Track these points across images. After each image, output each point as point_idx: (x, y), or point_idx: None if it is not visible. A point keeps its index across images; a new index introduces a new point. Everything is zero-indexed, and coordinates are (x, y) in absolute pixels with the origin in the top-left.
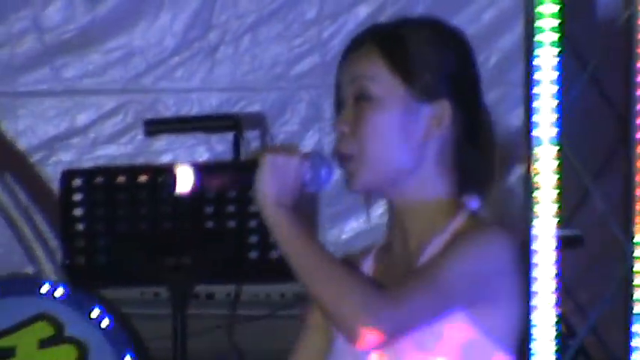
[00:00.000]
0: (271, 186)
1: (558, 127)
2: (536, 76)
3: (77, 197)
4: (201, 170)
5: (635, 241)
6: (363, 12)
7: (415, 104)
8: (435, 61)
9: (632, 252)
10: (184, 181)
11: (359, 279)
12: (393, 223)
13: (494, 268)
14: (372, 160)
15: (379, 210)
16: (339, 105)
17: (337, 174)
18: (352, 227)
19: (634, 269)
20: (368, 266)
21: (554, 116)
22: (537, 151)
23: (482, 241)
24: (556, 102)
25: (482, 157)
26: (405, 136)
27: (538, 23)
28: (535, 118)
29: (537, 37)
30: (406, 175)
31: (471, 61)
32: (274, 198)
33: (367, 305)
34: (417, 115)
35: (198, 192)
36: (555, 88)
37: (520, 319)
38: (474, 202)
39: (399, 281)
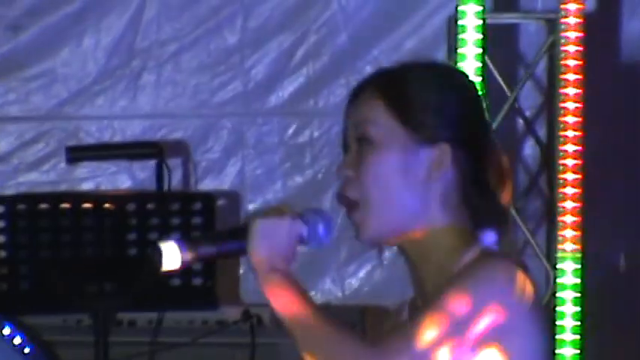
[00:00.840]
0: (263, 251)
1: None
2: None
3: None
4: (187, 244)
5: (557, 267)
6: (285, 40)
7: (414, 147)
8: (435, 104)
9: (555, 278)
10: (172, 257)
11: (351, 338)
12: (410, 271)
13: (499, 302)
14: (376, 205)
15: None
16: (345, 149)
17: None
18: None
19: (556, 294)
20: (404, 318)
21: None
22: None
23: (484, 274)
24: None
25: (491, 195)
26: (406, 178)
27: (460, 51)
28: None
29: (460, 65)
30: (413, 219)
31: (476, 103)
32: (267, 263)
33: None
34: (417, 158)
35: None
36: None
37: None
38: (487, 237)
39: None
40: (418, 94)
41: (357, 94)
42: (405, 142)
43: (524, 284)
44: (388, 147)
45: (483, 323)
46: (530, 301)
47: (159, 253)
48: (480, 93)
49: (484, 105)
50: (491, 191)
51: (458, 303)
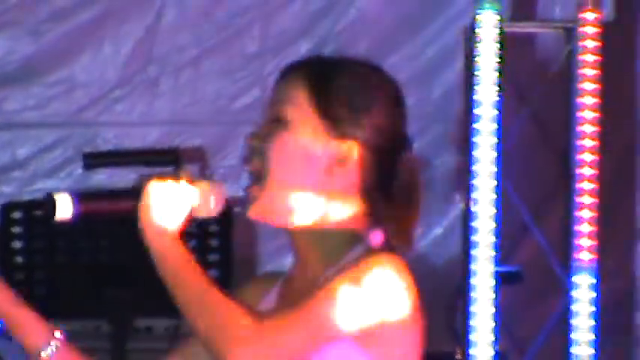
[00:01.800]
0: (153, 212)
1: (498, 162)
2: (476, 111)
3: (16, 230)
4: (80, 197)
5: (573, 277)
6: (304, 47)
7: (324, 137)
8: (355, 102)
9: (571, 288)
10: (64, 207)
11: (234, 309)
12: (293, 254)
13: (377, 300)
14: (273, 183)
15: None
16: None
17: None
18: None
19: (572, 306)
20: (272, 295)
21: (494, 152)
22: (477, 185)
23: (363, 272)
24: (495, 138)
25: (392, 204)
26: (308, 165)
27: (477, 60)
28: (475, 154)
29: (477, 74)
30: (305, 207)
31: (397, 115)
32: (156, 225)
33: (234, 336)
34: (324, 149)
35: (77, 218)
36: (495, 124)
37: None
38: (376, 237)
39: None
40: (343, 89)
41: (286, 73)
42: (316, 130)
43: (401, 286)
44: (299, 130)
45: (355, 322)
46: (406, 302)
47: (52, 203)
48: (404, 107)
49: (405, 120)
50: (393, 200)
51: (328, 303)
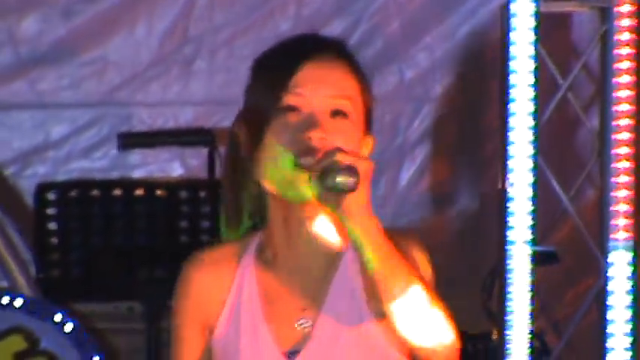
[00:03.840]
0: (367, 194)
1: (534, 143)
2: (512, 92)
3: (51, 211)
4: None
5: (608, 258)
6: (338, 26)
7: (364, 133)
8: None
9: (607, 268)
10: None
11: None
12: (291, 234)
13: None
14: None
15: None
16: (279, 92)
17: None
18: None
19: (608, 285)
20: (248, 273)
21: (530, 133)
22: (513, 167)
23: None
24: (532, 119)
25: None
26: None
27: (513, 39)
28: (511, 135)
29: (512, 53)
30: None
31: None
32: (368, 207)
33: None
34: (365, 143)
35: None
36: (531, 105)
37: None
38: None
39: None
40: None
41: (324, 59)
42: (363, 127)
43: None
44: (358, 128)
45: None
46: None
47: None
48: None
49: None
50: None
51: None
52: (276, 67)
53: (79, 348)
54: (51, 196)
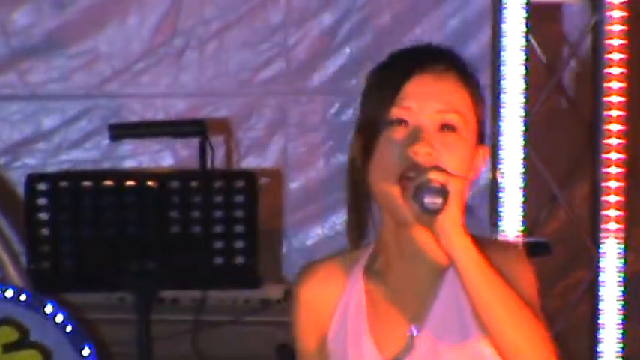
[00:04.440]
0: (460, 212)
1: (525, 134)
2: (503, 84)
3: (42, 202)
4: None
5: (601, 248)
6: (328, 19)
7: (475, 145)
8: (484, 109)
9: (599, 259)
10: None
11: (537, 320)
12: (401, 246)
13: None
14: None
15: (342, 217)
16: (384, 111)
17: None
18: (317, 233)
19: (600, 277)
20: (357, 284)
21: (521, 124)
22: (504, 158)
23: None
24: (522, 110)
25: None
26: (468, 173)
27: (504, 31)
28: (502, 126)
29: (503, 45)
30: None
31: None
32: (461, 226)
33: (548, 350)
34: (476, 156)
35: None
36: (521, 96)
37: None
38: None
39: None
40: (483, 99)
41: (435, 71)
42: (475, 140)
43: None
44: (468, 142)
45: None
46: None
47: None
48: None
49: None
50: None
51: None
52: (387, 79)
53: (70, 339)
54: (42, 187)
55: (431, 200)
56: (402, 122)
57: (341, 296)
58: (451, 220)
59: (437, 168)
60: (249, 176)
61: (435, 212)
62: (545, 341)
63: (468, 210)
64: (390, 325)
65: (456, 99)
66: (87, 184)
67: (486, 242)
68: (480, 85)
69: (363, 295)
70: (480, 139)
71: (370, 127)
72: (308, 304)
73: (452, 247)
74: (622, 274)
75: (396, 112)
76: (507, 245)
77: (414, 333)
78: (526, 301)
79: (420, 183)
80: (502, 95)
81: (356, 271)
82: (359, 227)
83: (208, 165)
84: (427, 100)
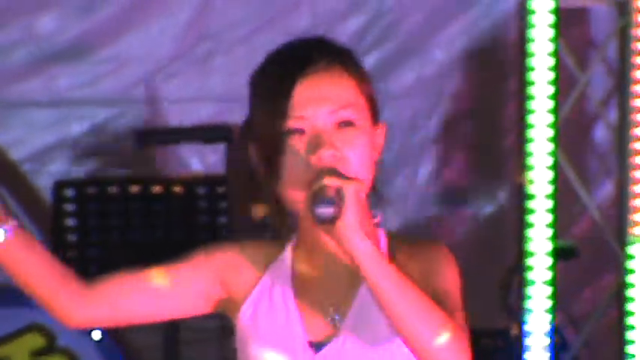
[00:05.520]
0: (357, 216)
1: (554, 140)
2: (531, 89)
3: (69, 208)
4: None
5: (628, 251)
6: (355, 22)
7: (375, 127)
8: (372, 85)
9: (625, 263)
10: None
11: (435, 305)
12: (319, 244)
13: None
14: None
15: None
16: (282, 114)
17: None
18: None
19: (626, 281)
20: (283, 266)
21: (550, 130)
22: (533, 165)
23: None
24: (551, 116)
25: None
26: (372, 159)
27: (532, 34)
28: (530, 133)
29: (532, 50)
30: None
31: None
32: (360, 230)
33: (453, 327)
34: (377, 138)
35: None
36: (550, 101)
37: None
38: (380, 218)
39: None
40: (368, 74)
41: (318, 69)
42: (371, 123)
43: None
44: (365, 129)
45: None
46: None
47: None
48: None
49: None
50: None
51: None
52: (272, 90)
53: (97, 344)
54: (69, 193)
55: (323, 210)
56: (298, 131)
57: (261, 275)
58: (349, 225)
59: (333, 171)
60: None
61: (331, 221)
62: (459, 341)
63: None
64: (316, 308)
65: (344, 92)
66: (114, 190)
67: (409, 240)
68: (357, 57)
69: (289, 279)
70: (375, 118)
71: (267, 140)
72: (234, 255)
73: (353, 251)
74: None
75: (291, 124)
76: (431, 243)
77: (335, 319)
78: (445, 298)
79: (313, 192)
80: (530, 101)
81: (283, 257)
82: (280, 220)
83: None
84: (319, 105)
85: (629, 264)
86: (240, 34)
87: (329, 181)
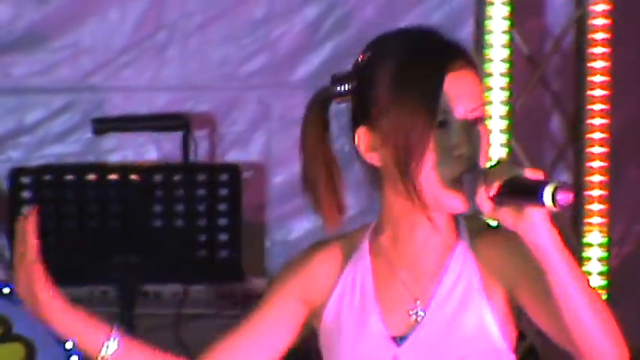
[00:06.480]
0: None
1: (509, 132)
2: (487, 81)
3: (26, 195)
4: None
5: (584, 241)
6: (311, 12)
7: None
8: None
9: (581, 252)
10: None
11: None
12: (414, 227)
13: None
14: None
15: None
16: (433, 111)
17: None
18: (300, 227)
19: (582, 269)
20: (362, 261)
21: (505, 121)
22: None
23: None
24: (507, 107)
25: None
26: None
27: (487, 24)
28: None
29: (487, 39)
30: None
31: None
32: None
33: (617, 334)
34: None
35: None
36: (506, 92)
37: None
38: None
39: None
40: None
41: (468, 67)
42: None
43: None
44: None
45: None
46: None
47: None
48: None
49: None
50: None
51: None
52: (421, 82)
53: (53, 332)
54: (25, 180)
55: (565, 195)
56: (446, 124)
57: (340, 274)
58: (541, 214)
59: (515, 164)
60: (233, 169)
61: (560, 207)
62: (617, 328)
63: None
64: (397, 302)
65: (480, 89)
66: (70, 177)
67: (484, 225)
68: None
69: (369, 271)
70: None
71: (410, 133)
72: (303, 270)
73: (541, 240)
74: (606, 267)
75: (440, 117)
76: (504, 230)
77: (417, 312)
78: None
79: (552, 185)
80: (486, 92)
81: (361, 249)
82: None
83: (192, 159)
84: (468, 100)
85: (587, 253)
86: (195, 23)
87: (528, 173)
